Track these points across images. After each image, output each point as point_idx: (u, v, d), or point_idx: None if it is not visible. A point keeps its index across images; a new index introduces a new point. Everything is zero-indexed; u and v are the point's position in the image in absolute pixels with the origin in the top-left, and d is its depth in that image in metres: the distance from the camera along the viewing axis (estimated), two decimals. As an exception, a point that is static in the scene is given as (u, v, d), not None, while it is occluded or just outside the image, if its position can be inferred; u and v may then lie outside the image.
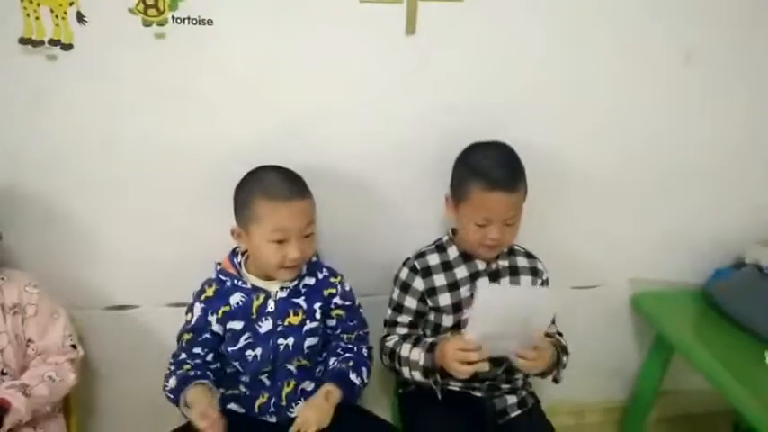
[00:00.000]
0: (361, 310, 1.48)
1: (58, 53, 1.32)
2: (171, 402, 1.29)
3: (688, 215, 1.79)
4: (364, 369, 1.40)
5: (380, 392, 1.78)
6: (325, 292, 1.41)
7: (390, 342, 1.46)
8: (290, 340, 1.36)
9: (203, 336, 1.37)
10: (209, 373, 1.33)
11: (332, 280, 1.43)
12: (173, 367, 1.34)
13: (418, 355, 1.38)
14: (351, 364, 1.39)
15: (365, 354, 1.44)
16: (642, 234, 1.80)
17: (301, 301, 1.39)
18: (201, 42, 1.35)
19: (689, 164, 1.72)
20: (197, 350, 1.36)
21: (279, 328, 1.36)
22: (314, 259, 1.43)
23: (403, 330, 1.49)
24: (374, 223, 1.61)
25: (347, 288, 1.45)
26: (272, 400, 1.38)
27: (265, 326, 1.36)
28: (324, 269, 1.44)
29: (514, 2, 1.44)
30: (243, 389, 1.40)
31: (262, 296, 1.37)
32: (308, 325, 1.38)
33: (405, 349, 1.41)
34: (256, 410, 1.39)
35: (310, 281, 1.42)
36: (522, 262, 1.52)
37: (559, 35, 1.50)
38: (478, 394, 1.48)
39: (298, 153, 1.48)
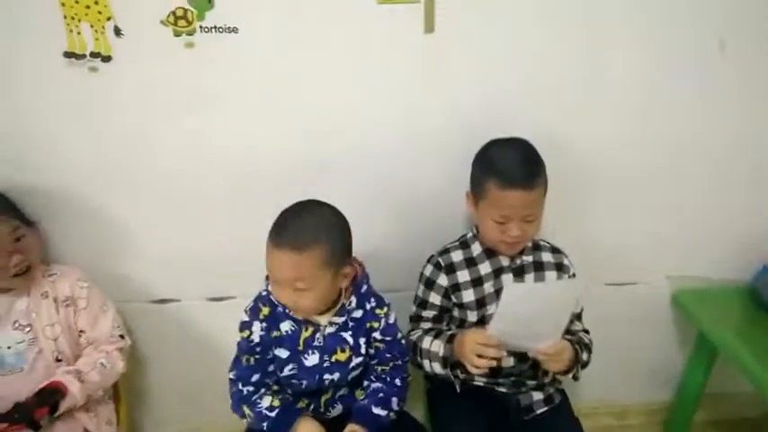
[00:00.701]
0: (402, 342, 1.42)
1: (99, 65, 1.42)
2: (255, 428, 1.34)
3: (731, 208, 1.72)
4: (394, 399, 1.38)
5: (414, 390, 1.80)
6: (368, 325, 1.37)
7: (414, 336, 1.48)
8: (336, 375, 1.36)
9: (268, 354, 1.35)
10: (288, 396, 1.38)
11: (377, 312, 1.37)
12: (249, 389, 1.34)
13: (438, 346, 1.40)
14: (380, 396, 1.37)
15: (398, 384, 1.40)
16: (682, 229, 1.74)
17: (348, 336, 1.36)
18: (228, 49, 1.42)
19: (728, 156, 1.65)
20: (270, 368, 1.36)
21: (325, 364, 1.35)
22: (364, 288, 1.38)
23: (427, 325, 1.51)
24: (400, 220, 1.64)
25: (391, 320, 1.39)
26: (312, 406, 1.42)
27: (312, 359, 1.34)
28: (372, 299, 1.38)
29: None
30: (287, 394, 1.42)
31: (311, 328, 1.34)
32: (354, 361, 1.37)
33: (426, 342, 1.43)
34: None
35: (358, 314, 1.37)
36: (547, 257, 1.51)
37: (580, 29, 1.48)
38: (503, 390, 1.49)
39: (322, 153, 1.54)
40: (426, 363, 1.43)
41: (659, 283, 1.81)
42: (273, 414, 1.32)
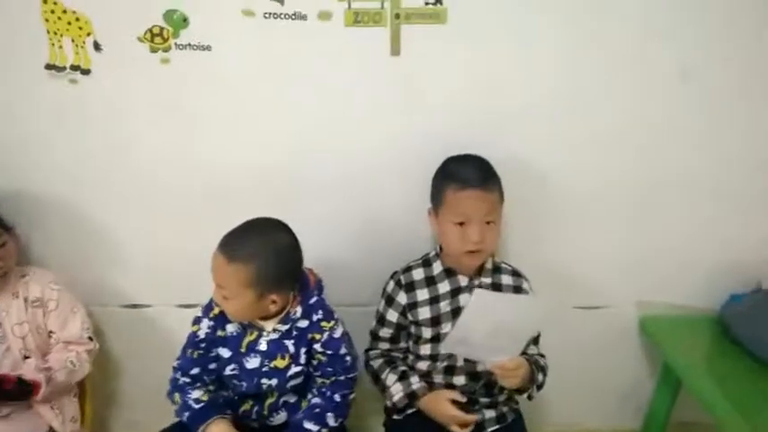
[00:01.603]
0: (347, 358, 1.41)
1: (79, 77, 1.49)
2: (179, 416, 1.40)
3: (700, 236, 1.72)
4: (330, 415, 1.38)
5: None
6: (310, 336, 1.39)
7: (375, 363, 1.54)
8: (274, 381, 1.40)
9: (212, 352, 1.41)
10: (221, 396, 1.44)
11: (323, 324, 1.39)
12: (185, 380, 1.40)
13: (398, 392, 1.46)
14: (315, 411, 1.39)
15: (336, 400, 1.40)
16: (650, 254, 1.74)
17: (290, 344, 1.39)
18: (201, 66, 1.49)
19: (701, 182, 1.66)
20: (212, 366, 1.41)
21: (264, 369, 1.39)
22: (314, 299, 1.41)
23: (385, 345, 1.56)
24: (367, 236, 1.68)
25: (336, 335, 1.40)
26: (255, 408, 1.45)
27: (252, 362, 1.38)
28: (320, 311, 1.40)
29: (495, 24, 1.48)
30: (229, 393, 1.47)
31: (255, 333, 1.39)
32: (293, 369, 1.40)
33: (389, 379, 1.49)
34: (239, 413, 1.46)
35: (303, 324, 1.39)
36: (506, 280, 1.53)
37: (542, 54, 1.52)
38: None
39: (293, 169, 1.59)
40: (386, 394, 1.49)
41: (628, 308, 1.81)
42: (197, 407, 1.37)
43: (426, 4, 1.44)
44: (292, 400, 1.46)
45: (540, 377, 1.47)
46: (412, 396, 1.46)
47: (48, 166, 1.58)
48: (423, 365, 1.51)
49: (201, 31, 1.46)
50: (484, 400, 1.51)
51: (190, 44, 1.47)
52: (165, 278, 1.70)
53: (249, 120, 1.55)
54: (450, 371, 1.49)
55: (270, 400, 1.45)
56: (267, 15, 1.44)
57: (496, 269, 1.54)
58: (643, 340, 1.86)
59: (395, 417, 1.51)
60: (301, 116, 1.55)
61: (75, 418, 1.55)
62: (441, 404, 1.43)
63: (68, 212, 1.62)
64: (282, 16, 1.44)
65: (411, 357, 1.54)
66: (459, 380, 1.48)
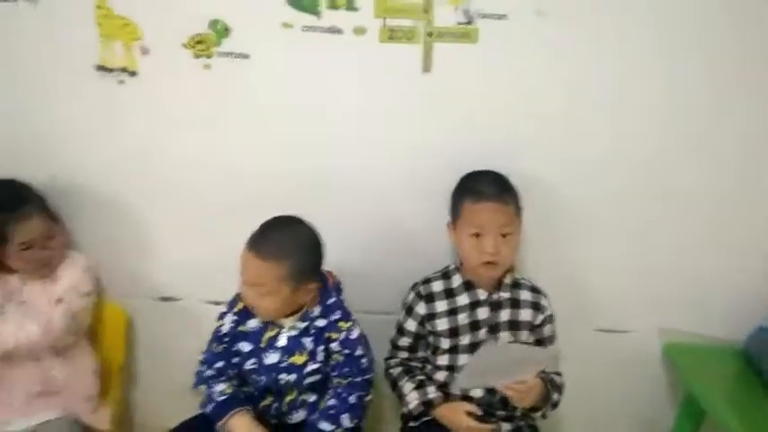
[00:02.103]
0: (363, 360, 1.46)
1: (126, 78, 1.58)
2: (203, 409, 1.46)
3: (729, 263, 1.69)
4: (345, 416, 1.41)
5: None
6: (327, 335, 1.44)
7: (394, 372, 1.58)
8: (292, 377, 1.44)
9: (234, 346, 1.48)
10: (242, 392, 1.49)
11: (340, 324, 1.45)
12: (210, 373, 1.47)
13: (414, 400, 1.49)
14: (330, 412, 1.42)
15: (352, 401, 1.43)
16: (678, 283, 1.72)
17: (308, 342, 1.44)
18: (239, 73, 1.55)
19: (727, 214, 1.64)
20: (235, 360, 1.48)
21: (282, 364, 1.44)
22: (332, 299, 1.47)
23: (404, 354, 1.60)
24: (386, 245, 1.71)
25: (353, 336, 1.45)
26: (275, 405, 1.50)
27: (271, 358, 1.44)
28: (338, 311, 1.46)
29: (524, 43, 1.50)
30: (250, 388, 1.51)
31: (276, 329, 1.45)
32: (310, 366, 1.44)
33: (406, 387, 1.52)
34: (259, 409, 1.50)
35: (321, 323, 1.45)
36: (525, 295, 1.54)
37: (569, 75, 1.53)
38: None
39: (322, 176, 1.64)
40: (403, 402, 1.52)
41: (651, 334, 1.79)
42: (220, 399, 1.43)
43: (459, 23, 1.47)
44: (311, 399, 1.50)
45: (556, 396, 1.48)
46: (428, 405, 1.48)
47: (89, 161, 1.66)
48: (440, 376, 1.54)
49: (242, 39, 1.53)
50: (501, 413, 1.52)
51: (230, 52, 1.53)
52: (196, 274, 1.76)
53: (280, 126, 1.60)
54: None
55: (289, 398, 1.49)
56: (305, 28, 1.50)
57: (516, 284, 1.55)
58: (665, 368, 1.83)
59: (411, 423, 1.53)
60: (330, 125, 1.59)
61: (92, 397, 1.62)
62: (457, 415, 1.45)
63: (106, 206, 1.70)
64: (319, 30, 1.49)
65: (429, 367, 1.57)
66: (477, 392, 1.50)
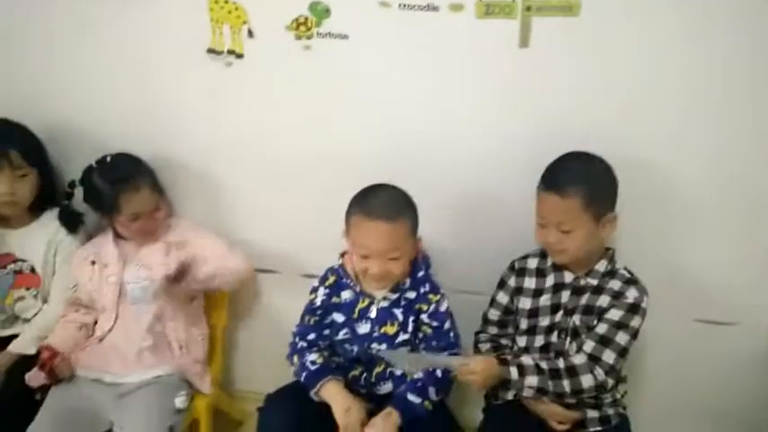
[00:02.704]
0: (451, 334, 1.50)
1: (233, 61, 1.67)
2: (297, 377, 1.52)
3: None
4: (432, 389, 1.44)
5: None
6: (417, 307, 1.49)
7: (482, 348, 1.59)
8: (384, 346, 1.49)
9: (326, 318, 1.54)
10: (333, 362, 1.54)
11: (430, 297, 1.49)
12: (303, 344, 1.53)
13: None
14: (418, 384, 1.44)
15: (439, 375, 1.46)
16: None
17: (399, 313, 1.49)
18: (339, 53, 1.61)
19: None
20: (326, 332, 1.54)
21: (375, 334, 1.50)
22: (420, 273, 1.51)
23: (493, 330, 1.60)
24: (481, 225, 1.71)
25: (442, 309, 1.49)
26: (364, 375, 1.55)
27: (363, 328, 1.50)
28: (427, 284, 1.50)
29: (628, 16, 1.45)
30: (340, 359, 1.57)
31: (367, 300, 1.51)
32: (401, 337, 1.49)
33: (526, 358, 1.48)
34: (348, 379, 1.54)
35: (411, 295, 1.50)
36: (613, 284, 1.47)
37: (670, 48, 1.46)
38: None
39: (414, 151, 1.66)
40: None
41: (758, 327, 1.68)
42: (314, 368, 1.48)
43: (559, -4, 1.44)
44: (399, 372, 1.53)
45: (532, 380, 1.40)
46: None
47: (200, 138, 1.78)
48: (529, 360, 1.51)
49: (342, 20, 1.58)
50: (588, 399, 1.49)
51: (330, 33, 1.59)
52: (293, 249, 1.85)
53: (379, 105, 1.64)
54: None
55: (378, 369, 1.54)
56: (402, 6, 1.52)
57: (610, 273, 1.49)
58: (774, 364, 1.71)
59: (494, 402, 1.53)
60: (429, 103, 1.61)
61: (198, 360, 1.73)
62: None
63: (209, 180, 1.82)
64: (416, 8, 1.51)
65: (516, 348, 1.56)
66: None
